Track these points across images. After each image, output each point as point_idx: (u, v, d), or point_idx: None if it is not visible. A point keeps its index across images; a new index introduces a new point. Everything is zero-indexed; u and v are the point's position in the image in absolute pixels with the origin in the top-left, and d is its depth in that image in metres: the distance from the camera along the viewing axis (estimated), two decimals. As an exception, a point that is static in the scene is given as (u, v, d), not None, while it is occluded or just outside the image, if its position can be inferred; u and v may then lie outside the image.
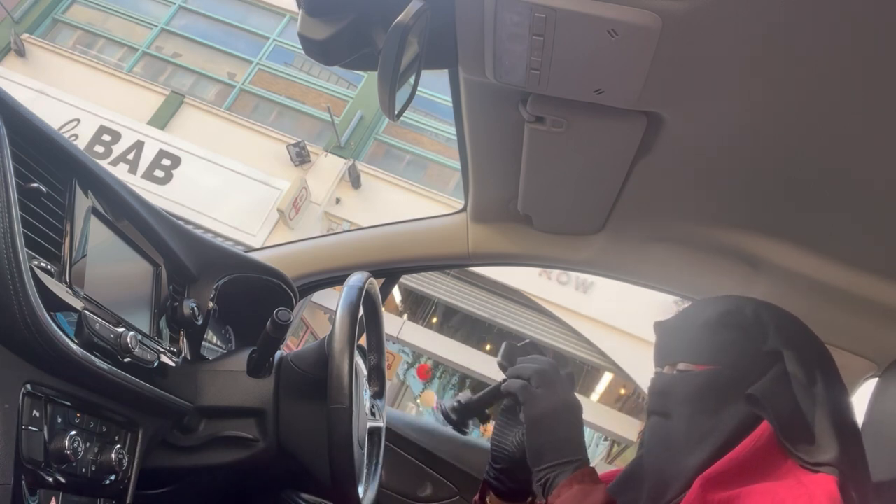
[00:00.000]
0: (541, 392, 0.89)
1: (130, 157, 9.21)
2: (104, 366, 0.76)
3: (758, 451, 0.75)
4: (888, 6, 0.61)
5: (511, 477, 0.96)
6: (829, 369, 0.82)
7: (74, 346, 0.71)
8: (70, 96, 9.43)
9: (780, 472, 0.74)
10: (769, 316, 0.84)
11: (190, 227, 1.11)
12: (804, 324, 0.86)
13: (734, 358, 0.82)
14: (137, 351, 0.83)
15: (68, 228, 0.78)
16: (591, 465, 0.86)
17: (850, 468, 0.72)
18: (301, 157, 9.30)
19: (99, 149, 9.15)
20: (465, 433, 1.05)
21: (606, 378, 10.90)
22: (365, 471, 1.09)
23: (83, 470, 0.76)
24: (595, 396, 11.29)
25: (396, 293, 10.83)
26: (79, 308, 0.75)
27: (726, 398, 0.80)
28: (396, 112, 0.78)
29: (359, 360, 1.11)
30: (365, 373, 1.21)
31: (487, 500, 1.00)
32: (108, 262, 0.88)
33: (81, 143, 8.85)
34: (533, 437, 0.87)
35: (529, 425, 0.88)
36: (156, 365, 0.90)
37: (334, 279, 1.49)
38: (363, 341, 1.26)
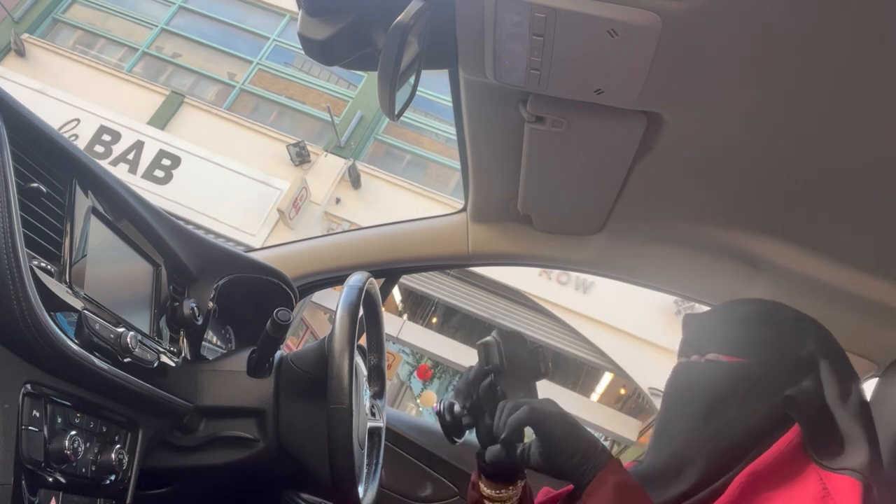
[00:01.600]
0: (541, 407, 0.87)
1: (130, 157, 9.21)
2: (104, 366, 0.76)
3: (786, 455, 0.76)
4: (888, 5, 0.61)
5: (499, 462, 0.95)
6: (858, 380, 0.83)
7: (74, 346, 0.71)
8: (70, 96, 9.43)
9: (805, 476, 0.74)
10: (807, 324, 0.86)
11: (190, 227, 1.11)
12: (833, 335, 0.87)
13: (766, 355, 0.83)
14: (137, 351, 0.83)
15: (68, 228, 0.78)
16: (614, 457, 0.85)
17: (875, 476, 0.72)
18: (301, 157, 9.30)
19: (99, 149, 9.15)
20: (454, 442, 1.02)
21: (606, 378, 10.90)
22: (365, 471, 1.09)
23: (83, 470, 0.76)
24: (595, 396, 11.30)
25: (396, 293, 10.84)
26: (79, 308, 0.75)
27: (753, 392, 0.81)
28: (396, 112, 0.78)
29: (359, 360, 1.11)
30: (365, 373, 1.21)
31: (481, 483, 1.00)
32: (108, 262, 0.88)
33: (81, 143, 8.85)
34: (550, 444, 0.84)
35: (545, 437, 0.84)
36: (156, 365, 0.90)
37: (334, 279, 1.49)
38: (363, 341, 1.26)
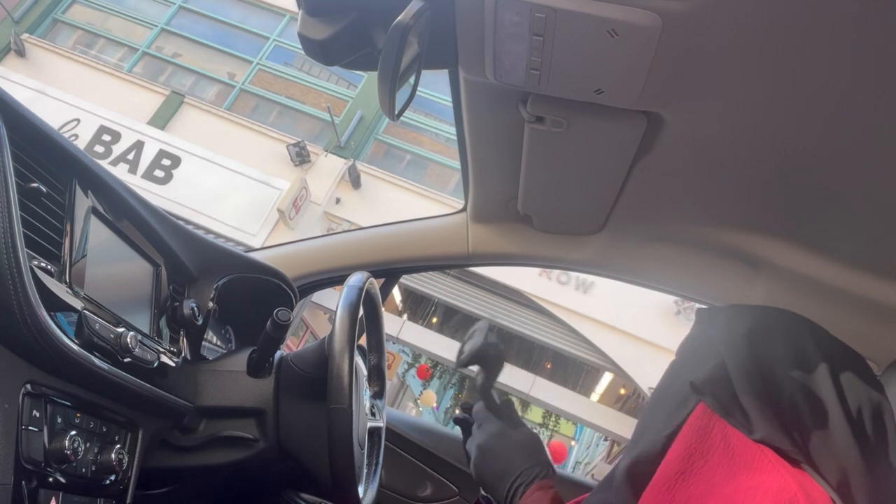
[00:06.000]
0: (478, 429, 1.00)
1: (130, 157, 9.22)
2: (104, 366, 0.76)
3: (699, 431, 0.74)
4: (889, 5, 0.61)
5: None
6: (791, 356, 0.76)
7: (74, 346, 0.71)
8: (70, 96, 9.43)
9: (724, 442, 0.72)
10: (725, 317, 0.82)
11: (190, 227, 1.11)
12: (775, 319, 0.81)
13: (685, 346, 0.83)
14: (137, 351, 0.83)
15: (68, 228, 0.78)
16: (550, 478, 0.90)
17: (799, 450, 0.70)
18: (301, 157, 9.30)
19: (99, 149, 9.15)
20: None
21: (606, 378, 10.91)
22: (365, 471, 1.09)
23: (83, 470, 0.76)
24: (595, 396, 11.30)
25: (396, 293, 10.84)
26: (79, 308, 0.75)
27: (668, 381, 0.81)
28: (396, 112, 0.78)
29: (359, 360, 1.11)
30: (365, 373, 1.21)
31: None
32: (108, 262, 0.88)
33: (81, 143, 8.85)
34: (481, 465, 0.96)
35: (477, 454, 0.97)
36: (156, 365, 0.90)
37: (334, 279, 1.49)
38: (363, 341, 1.26)
